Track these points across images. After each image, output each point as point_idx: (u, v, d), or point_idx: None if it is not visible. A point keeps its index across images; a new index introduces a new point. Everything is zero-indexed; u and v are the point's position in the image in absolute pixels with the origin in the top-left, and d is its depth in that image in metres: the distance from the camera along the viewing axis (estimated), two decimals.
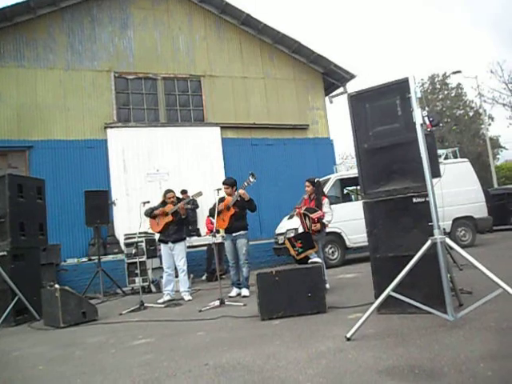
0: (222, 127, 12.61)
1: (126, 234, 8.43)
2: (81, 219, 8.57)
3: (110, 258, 9.35)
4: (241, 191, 6.06)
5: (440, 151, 10.09)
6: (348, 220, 8.65)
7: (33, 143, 10.80)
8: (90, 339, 4.44)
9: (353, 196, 11.67)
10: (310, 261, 5.44)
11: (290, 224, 8.66)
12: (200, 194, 6.53)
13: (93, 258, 9.18)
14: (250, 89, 13.25)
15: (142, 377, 2.94)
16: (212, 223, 9.40)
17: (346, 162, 12.74)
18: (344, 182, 10.11)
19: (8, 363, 3.94)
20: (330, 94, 14.68)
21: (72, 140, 11.08)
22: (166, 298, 6.32)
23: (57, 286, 5.64)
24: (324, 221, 5.88)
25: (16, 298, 5.73)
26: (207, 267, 9.14)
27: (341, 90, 14.46)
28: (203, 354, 3.36)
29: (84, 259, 9.57)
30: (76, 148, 10.99)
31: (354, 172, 9.64)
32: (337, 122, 32.08)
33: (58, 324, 5.18)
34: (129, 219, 10.37)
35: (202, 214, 10.41)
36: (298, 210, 6.03)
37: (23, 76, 10.95)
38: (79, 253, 10.09)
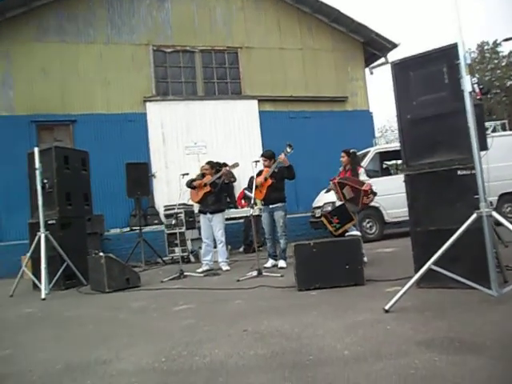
0: (259, 100, 12.52)
1: (165, 206, 8.66)
2: (122, 191, 8.86)
3: (150, 228, 9.66)
4: (281, 157, 6.08)
5: (488, 123, 9.62)
6: (387, 194, 8.48)
7: (76, 117, 11.15)
8: (134, 304, 4.66)
9: (392, 170, 11.40)
10: (347, 234, 5.42)
11: (327, 197, 8.60)
12: (236, 164, 6.58)
13: (134, 228, 9.51)
14: (287, 60, 13.01)
15: (184, 339, 3.07)
16: (244, 198, 9.52)
17: (386, 136, 12.39)
18: (383, 156, 9.88)
19: (61, 322, 4.21)
20: (371, 65, 14.21)
21: (112, 114, 11.33)
22: (205, 267, 6.50)
23: (101, 253, 5.92)
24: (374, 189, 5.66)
25: (64, 264, 6.05)
26: (244, 239, 9.29)
27: (382, 60, 13.95)
28: (242, 320, 3.46)
29: (126, 229, 9.94)
30: (116, 121, 11.24)
31: (393, 145, 9.40)
32: (376, 94, 31.07)
33: (104, 289, 5.45)
34: (168, 191, 10.63)
35: (240, 187, 10.52)
36: (332, 181, 5.92)
37: (66, 51, 11.22)
38: (121, 223, 10.48)
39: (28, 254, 6.37)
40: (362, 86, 13.74)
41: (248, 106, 12.36)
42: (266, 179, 6.23)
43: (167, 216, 8.39)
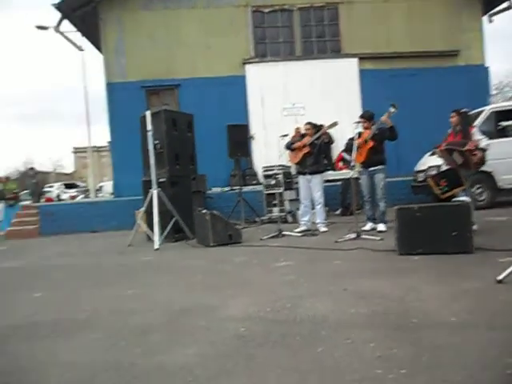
0: (359, 58, 11.94)
1: (264, 167, 8.86)
2: (223, 152, 9.24)
3: (249, 188, 10.02)
4: (383, 118, 5.85)
5: None
6: (502, 158, 7.72)
7: (180, 81, 11.72)
8: (237, 258, 4.96)
9: (510, 131, 10.27)
10: (454, 199, 5.10)
11: (432, 161, 8.09)
12: (335, 124, 6.47)
13: (234, 188, 9.94)
14: (391, 14, 12.10)
15: (286, 293, 3.23)
16: (342, 161, 9.33)
17: (505, 92, 11.08)
18: (500, 115, 8.91)
19: (174, 270, 4.67)
20: (491, 11, 12.59)
21: (213, 77, 11.68)
22: (303, 227, 6.62)
23: (204, 211, 6.33)
24: (482, 146, 5.23)
25: (174, 219, 6.60)
26: (341, 201, 9.21)
27: (505, 4, 12.25)
28: (341, 280, 3.52)
29: (226, 189, 10.44)
30: (217, 84, 11.58)
31: None
32: (494, 45, 27.63)
33: (209, 243, 5.87)
34: (266, 153, 10.82)
35: (337, 149, 10.34)
36: (439, 148, 5.52)
37: (169, 17, 11.70)
38: (222, 183, 11.00)
39: (142, 209, 7.03)
40: (477, 38, 12.32)
41: (348, 64, 11.87)
42: (366, 141, 6.05)
43: (266, 177, 8.60)
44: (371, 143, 6.01)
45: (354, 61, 11.91)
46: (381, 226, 6.01)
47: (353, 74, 11.86)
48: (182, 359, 2.17)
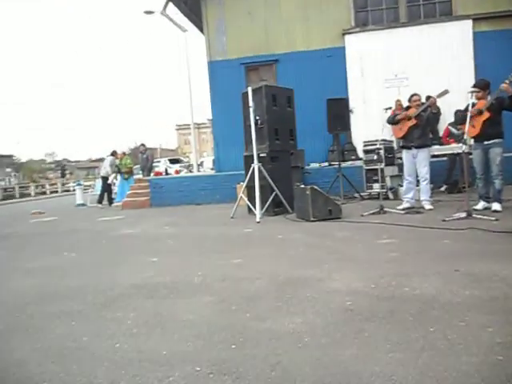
0: (473, 19, 10.79)
1: (364, 142, 8.59)
2: (321, 127, 9.12)
3: (348, 164, 9.81)
4: (503, 85, 5.27)
5: None
6: None
7: (278, 56, 11.71)
8: (337, 233, 4.95)
9: None
10: None
11: None
12: (446, 92, 6.02)
13: (332, 163, 9.81)
14: None
15: (391, 270, 3.17)
16: (450, 135, 8.63)
17: None
18: None
19: (276, 243, 4.82)
20: None
21: (312, 50, 11.47)
22: (406, 205, 6.34)
23: (302, 186, 6.36)
24: None
25: (274, 193, 6.75)
26: (447, 178, 8.61)
27: None
28: (451, 260, 3.34)
29: (324, 164, 10.35)
30: (316, 58, 11.36)
31: None
32: None
33: (308, 218, 5.92)
34: (366, 127, 10.44)
35: (444, 122, 9.60)
36: None
37: None
38: (319, 158, 10.90)
39: (243, 183, 7.30)
40: None
41: (460, 27, 10.79)
42: (481, 112, 5.53)
43: (366, 152, 8.34)
44: (487, 114, 5.49)
45: (468, 23, 10.79)
46: (496, 206, 5.53)
47: (465, 39, 10.78)
48: (291, 326, 2.27)
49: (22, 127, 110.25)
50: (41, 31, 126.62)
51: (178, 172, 22.83)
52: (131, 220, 8.13)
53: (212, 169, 22.02)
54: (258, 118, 6.94)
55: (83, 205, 13.31)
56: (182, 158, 34.14)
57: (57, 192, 30.70)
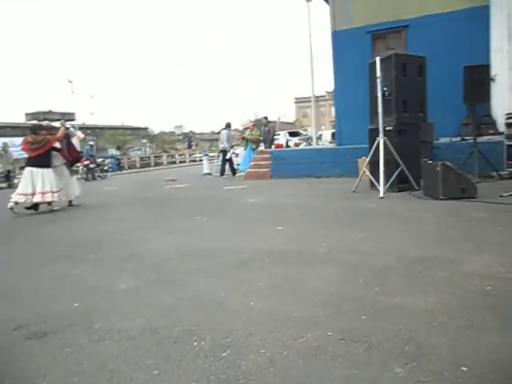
0: None
1: (507, 114, 7.65)
2: (454, 97, 8.34)
3: (484, 138, 8.86)
4: None
5: None
6: None
7: (408, 22, 10.89)
8: (473, 214, 4.56)
9: None
10: None
11: None
12: None
13: (466, 138, 8.95)
14: None
15: None
16: None
17: None
18: None
19: (402, 219, 4.63)
20: None
21: (447, 12, 10.42)
22: None
23: (430, 161, 5.93)
24: None
25: (399, 168, 6.45)
26: None
27: None
28: None
29: (456, 139, 9.49)
30: (451, 20, 10.30)
31: None
32: None
33: (437, 196, 5.55)
34: (509, 97, 9.26)
35: None
36: None
37: None
38: (449, 132, 10.01)
39: (366, 157, 7.09)
40: None
41: None
42: None
43: (508, 125, 7.44)
44: None
45: None
46: None
47: None
48: (424, 304, 2.21)
49: (155, 102, 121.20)
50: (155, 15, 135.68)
51: (297, 145, 23.04)
52: (254, 190, 8.51)
53: (330, 142, 21.76)
54: (385, 88, 6.62)
55: (209, 174, 14.29)
56: (300, 131, 34.27)
57: (185, 162, 33.36)
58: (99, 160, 19.85)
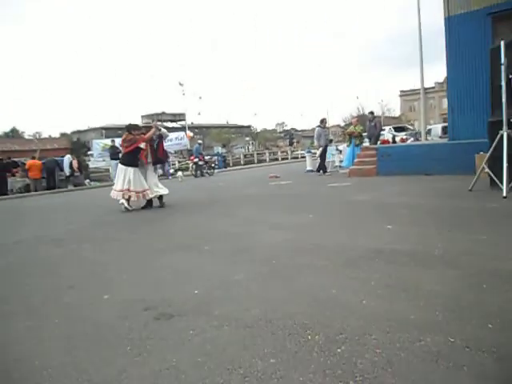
0: None
1: None
2: None
3: None
4: None
5: None
6: None
7: None
8: None
9: None
10: None
11: None
12: None
13: None
14: None
15: None
16: None
17: None
18: None
19: None
20: None
21: None
22: None
23: None
24: None
25: None
26: None
27: None
28: None
29: None
30: None
31: None
32: None
33: None
34: None
35: None
36: None
37: None
38: None
39: (487, 153, 6.48)
40: None
41: None
42: None
43: None
44: None
45: None
46: None
47: None
48: None
49: (258, 101, 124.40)
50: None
51: (403, 140, 21.94)
52: (359, 187, 8.32)
53: (440, 137, 20.27)
54: (510, 76, 5.97)
55: (312, 171, 14.27)
56: (407, 126, 32.51)
57: (287, 159, 33.70)
58: (207, 157, 20.98)
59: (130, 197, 7.50)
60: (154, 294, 2.82)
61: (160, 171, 21.95)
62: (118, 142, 21.07)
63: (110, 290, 2.97)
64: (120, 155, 7.95)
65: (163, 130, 8.27)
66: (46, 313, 2.65)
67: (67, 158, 18.75)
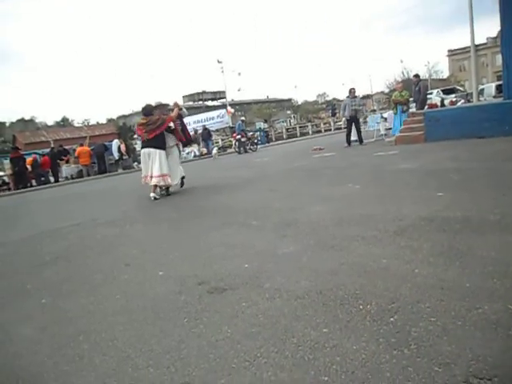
0: None
1: None
2: None
3: None
4: None
5: None
6: None
7: None
8: None
9: None
10: None
11: None
12: None
13: None
14: None
15: None
16: None
17: None
18: None
19: None
20: None
21: None
22: None
23: None
24: None
25: None
26: None
27: None
28: None
29: None
30: None
31: None
32: None
33: None
34: None
35: None
36: None
37: None
38: None
39: None
40: None
41: None
42: None
43: None
44: None
45: None
46: None
47: None
48: None
49: (298, 73, 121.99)
50: None
51: (453, 103, 20.87)
52: (407, 155, 8.04)
53: (495, 97, 19.04)
54: None
55: (356, 141, 13.94)
56: (457, 87, 30.80)
57: (330, 130, 33.04)
58: (249, 134, 20.99)
59: (155, 185, 6.94)
60: (206, 269, 2.91)
61: (205, 150, 22.48)
62: None
63: (164, 267, 3.10)
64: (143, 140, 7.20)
65: (183, 109, 7.89)
66: (107, 290, 2.81)
67: (115, 143, 19.39)
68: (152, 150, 7.00)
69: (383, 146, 10.63)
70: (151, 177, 6.95)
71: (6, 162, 20.20)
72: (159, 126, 6.99)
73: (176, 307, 2.34)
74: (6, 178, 21.39)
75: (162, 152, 7.07)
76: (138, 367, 1.80)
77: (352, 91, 12.98)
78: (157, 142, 7.02)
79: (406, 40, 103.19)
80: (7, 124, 68.68)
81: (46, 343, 2.15)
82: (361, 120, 14.52)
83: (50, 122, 70.27)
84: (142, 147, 7.25)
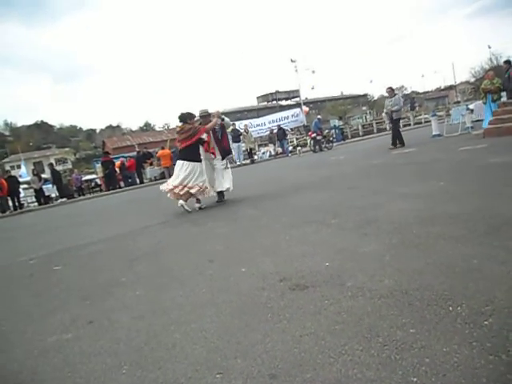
0: None
1: None
2: None
3: None
4: None
5: None
6: None
7: None
8: None
9: None
10: None
11: None
12: None
13: None
14: None
15: None
16: None
17: None
18: None
19: None
20: None
21: None
22: None
23: None
24: None
25: None
26: None
27: None
28: None
29: None
30: None
31: None
32: None
33: None
34: None
35: None
36: None
37: None
38: None
39: None
40: None
41: None
42: None
43: None
44: None
45: None
46: None
47: None
48: None
49: (374, 67, 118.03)
50: None
51: None
52: (497, 149, 7.45)
53: None
54: None
55: (439, 135, 13.19)
56: None
57: (409, 125, 31.56)
58: (325, 132, 20.77)
59: (187, 195, 6.59)
60: (287, 266, 2.96)
61: (279, 149, 22.63)
62: (238, 124, 22.13)
63: (247, 263, 3.20)
64: (179, 149, 6.83)
65: (226, 119, 7.29)
66: (194, 284, 2.97)
67: None
68: (185, 162, 6.66)
69: (469, 140, 9.95)
70: (177, 186, 6.55)
71: (98, 166, 22.07)
72: (190, 137, 6.61)
73: (260, 302, 2.42)
74: (98, 180, 23.37)
75: (197, 165, 6.66)
76: (226, 357, 1.89)
77: (388, 90, 12.56)
78: (189, 153, 6.65)
79: (494, 22, 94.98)
80: (97, 131, 74.82)
81: (143, 331, 2.34)
82: (429, 116, 13.80)
83: (134, 128, 75.27)
84: (177, 158, 6.95)
